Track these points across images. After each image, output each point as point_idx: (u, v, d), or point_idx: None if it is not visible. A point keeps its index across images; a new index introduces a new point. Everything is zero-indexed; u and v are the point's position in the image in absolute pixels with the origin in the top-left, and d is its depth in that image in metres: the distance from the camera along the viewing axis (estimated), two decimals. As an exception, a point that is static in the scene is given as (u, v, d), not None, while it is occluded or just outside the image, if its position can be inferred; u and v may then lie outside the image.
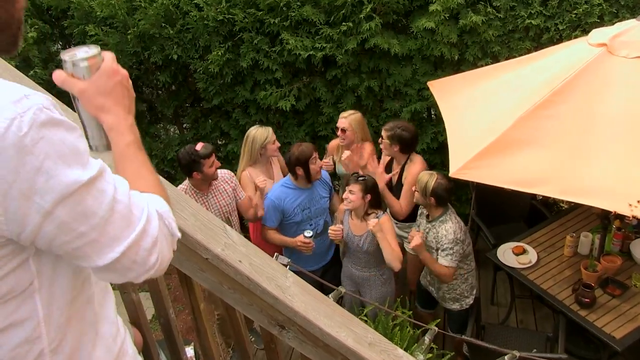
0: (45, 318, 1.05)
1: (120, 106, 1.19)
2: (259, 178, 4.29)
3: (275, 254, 2.65)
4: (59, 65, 1.17)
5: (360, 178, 3.92)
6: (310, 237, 3.98)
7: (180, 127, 6.15)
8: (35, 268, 1.01)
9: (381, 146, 4.35)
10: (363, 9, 4.80)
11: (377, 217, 3.91)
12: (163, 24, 5.07)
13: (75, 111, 1.21)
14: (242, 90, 5.41)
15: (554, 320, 4.74)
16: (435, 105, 4.72)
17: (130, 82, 1.26)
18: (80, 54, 1.15)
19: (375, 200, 3.98)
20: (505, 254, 4.58)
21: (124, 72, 1.22)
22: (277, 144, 4.45)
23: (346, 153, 4.41)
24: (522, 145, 3.44)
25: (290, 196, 4.12)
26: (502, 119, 3.59)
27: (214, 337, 1.99)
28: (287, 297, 1.63)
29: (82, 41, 5.21)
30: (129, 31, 5.06)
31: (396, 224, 4.51)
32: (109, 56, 1.20)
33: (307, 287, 1.76)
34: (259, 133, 4.37)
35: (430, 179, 3.84)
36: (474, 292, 4.20)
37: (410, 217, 4.41)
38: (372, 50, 5.06)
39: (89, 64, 1.15)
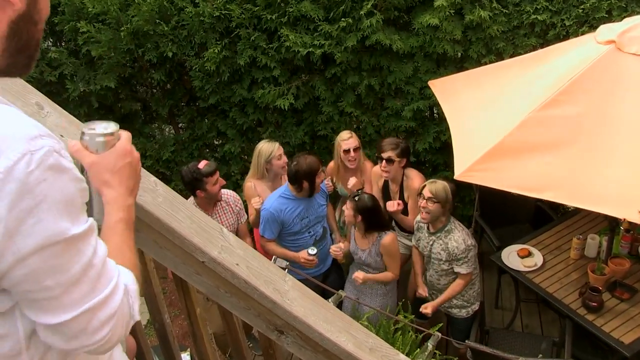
0: (25, 334, 1.04)
1: (123, 186, 1.25)
2: (255, 199, 4.32)
3: (274, 257, 2.66)
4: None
5: (355, 197, 3.99)
6: (315, 254, 4.04)
7: (176, 127, 6.14)
8: None
9: (378, 168, 4.42)
10: (363, 5, 4.80)
11: (379, 238, 4.02)
12: (157, 21, 5.07)
13: None
14: (239, 88, 5.41)
15: (560, 324, 4.74)
16: (438, 104, 4.72)
17: (140, 165, 1.32)
18: (99, 129, 1.23)
19: (369, 223, 4.01)
20: (510, 256, 4.58)
21: (137, 154, 1.29)
22: (284, 160, 4.44)
23: (352, 180, 4.50)
24: (528, 148, 3.42)
25: (289, 207, 4.13)
26: (507, 120, 3.58)
27: (210, 343, 1.99)
28: (285, 301, 1.63)
29: (72, 38, 5.21)
30: (122, 28, 5.05)
31: (407, 236, 4.59)
32: (125, 136, 1.27)
33: (306, 291, 1.76)
34: (265, 148, 4.41)
35: (445, 186, 3.88)
36: (479, 297, 4.20)
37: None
38: (372, 48, 5.06)
39: (105, 140, 1.23)
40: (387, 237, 4.02)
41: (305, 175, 4.02)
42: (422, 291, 4.20)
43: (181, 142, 5.91)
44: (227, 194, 4.30)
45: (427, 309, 4.01)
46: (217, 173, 4.05)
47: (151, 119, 6.09)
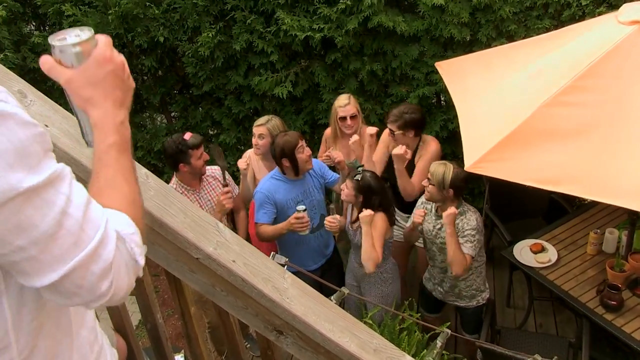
0: (14, 324, 1.01)
1: (109, 100, 1.15)
2: (241, 160, 4.30)
3: (272, 252, 2.66)
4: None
5: (356, 177, 3.92)
6: (304, 210, 3.93)
7: (168, 116, 6.15)
8: (0, 268, 0.97)
9: (391, 138, 4.34)
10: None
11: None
12: (148, 3, 5.06)
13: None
14: (235, 75, 5.40)
15: (576, 324, 4.74)
16: (445, 90, 4.70)
17: (128, 71, 1.22)
18: (70, 39, 1.11)
19: (371, 204, 3.90)
20: (523, 252, 4.58)
21: (120, 59, 1.18)
22: (263, 142, 4.34)
23: (354, 137, 4.36)
24: (543, 137, 3.39)
25: (281, 189, 4.11)
26: (521, 106, 3.54)
27: (205, 344, 1.99)
28: (285, 299, 1.63)
29: (57, 22, 5.20)
30: (110, 11, 5.05)
31: (408, 217, 4.48)
32: (103, 41, 1.16)
33: (306, 288, 1.76)
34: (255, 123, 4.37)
35: (447, 169, 3.81)
36: (487, 285, 4.20)
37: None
38: (375, 31, 5.05)
39: (80, 50, 1.11)
40: (380, 214, 3.94)
41: (283, 153, 3.99)
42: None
43: (174, 132, 5.87)
44: (212, 168, 4.27)
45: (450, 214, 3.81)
46: (202, 147, 4.03)
47: (142, 108, 6.08)
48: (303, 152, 4.03)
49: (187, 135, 3.97)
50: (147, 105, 6.02)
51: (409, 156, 4.21)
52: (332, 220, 4.05)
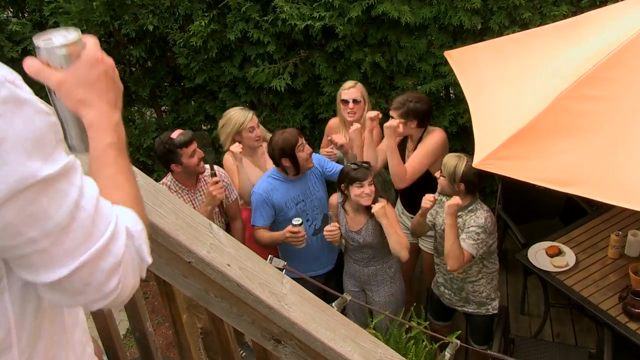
0: (16, 323, 1.03)
1: (104, 100, 1.18)
2: (235, 145, 4.24)
3: (270, 256, 2.65)
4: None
5: (354, 165, 3.92)
6: (299, 224, 3.94)
7: (158, 110, 6.15)
8: (4, 262, 0.99)
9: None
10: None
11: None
12: (136, -11, 5.07)
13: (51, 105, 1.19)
14: (230, 66, 5.40)
15: (597, 334, 4.74)
16: (454, 83, 4.70)
17: (117, 72, 1.25)
18: (57, 40, 1.13)
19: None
20: (538, 255, 4.58)
21: (110, 60, 1.22)
22: (257, 133, 4.38)
23: (356, 125, 4.36)
24: (558, 134, 3.35)
25: (280, 189, 4.12)
26: (536, 99, 3.51)
27: (198, 354, 1.99)
28: (283, 306, 1.63)
29: (37, 9, 5.19)
30: (96, -3, 5.05)
31: (411, 218, 4.50)
32: (91, 42, 1.18)
33: (306, 294, 1.76)
34: (236, 116, 4.35)
35: (460, 162, 3.81)
36: (498, 294, 4.20)
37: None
38: (379, 19, 5.05)
39: (67, 52, 1.14)
40: (382, 200, 3.98)
41: (282, 152, 4.00)
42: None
43: (164, 128, 5.91)
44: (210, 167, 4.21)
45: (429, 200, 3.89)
46: (194, 144, 3.99)
47: (130, 102, 6.08)
48: (303, 150, 4.04)
49: (175, 134, 3.95)
50: (135, 98, 6.02)
51: (401, 129, 4.20)
52: (332, 229, 4.01)
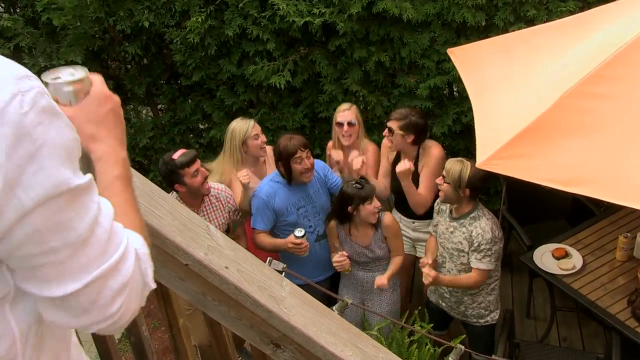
0: (20, 335, 1.04)
1: (112, 136, 1.24)
2: (242, 172, 4.28)
3: (269, 258, 2.66)
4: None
5: (357, 185, 3.99)
6: (302, 236, 3.97)
7: (154, 109, 6.15)
8: (10, 273, 1.00)
9: (386, 139, 4.37)
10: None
11: (379, 221, 4.09)
12: (131, -15, 5.07)
13: None
14: (228, 64, 5.40)
15: (605, 338, 4.74)
16: (458, 81, 4.70)
17: (122, 110, 1.30)
18: (64, 77, 1.18)
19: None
20: (544, 257, 4.58)
21: (117, 98, 1.27)
22: (262, 139, 4.45)
23: (355, 153, 4.42)
24: (564, 132, 3.35)
25: (281, 193, 4.14)
26: (541, 97, 3.51)
27: (195, 358, 1.99)
28: (282, 309, 1.63)
29: (29, 4, 5.18)
30: (90, -7, 5.05)
31: (413, 222, 4.53)
32: (98, 80, 1.25)
33: (306, 297, 1.77)
34: (238, 127, 4.40)
35: (464, 167, 3.83)
36: (499, 305, 4.21)
37: (427, 214, 4.43)
38: (381, 16, 5.05)
39: (75, 89, 1.19)
40: (388, 217, 4.09)
41: (279, 157, 4.07)
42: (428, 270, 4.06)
43: (160, 127, 5.92)
44: (218, 188, 4.28)
45: (428, 278, 3.95)
46: (197, 162, 4.01)
47: (125, 100, 6.08)
48: (301, 163, 4.04)
49: (177, 155, 3.98)
50: (131, 96, 6.03)
51: (412, 167, 4.27)
52: (341, 259, 4.09)
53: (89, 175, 1.03)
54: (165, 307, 1.85)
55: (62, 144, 0.96)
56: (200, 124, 6.02)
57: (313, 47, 5.36)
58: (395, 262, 4.19)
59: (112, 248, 1.04)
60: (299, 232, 3.98)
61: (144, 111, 6.27)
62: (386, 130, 4.33)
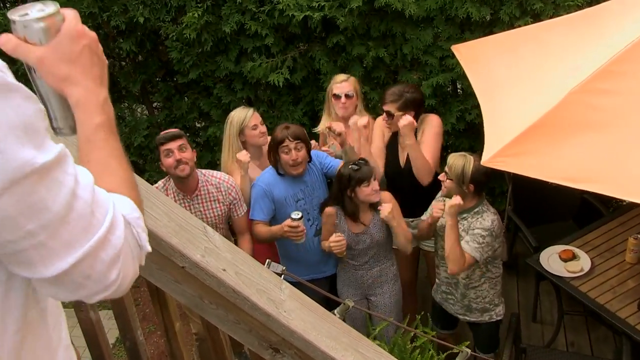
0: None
1: (89, 77, 1.17)
2: (242, 153, 4.22)
3: (267, 260, 2.65)
4: (7, 31, 1.14)
5: (355, 166, 3.94)
6: (299, 218, 3.94)
7: (150, 107, 6.15)
8: None
9: (385, 123, 4.35)
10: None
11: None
12: (126, -21, 5.07)
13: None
14: (225, 60, 5.40)
15: (614, 343, 4.73)
16: (462, 77, 4.70)
17: (101, 46, 1.23)
18: (33, 13, 1.10)
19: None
20: (551, 259, 4.58)
21: (92, 34, 1.20)
22: (261, 130, 4.38)
23: (355, 117, 4.35)
24: (571, 129, 3.34)
25: (280, 184, 4.15)
26: (548, 94, 3.50)
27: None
28: (282, 313, 1.63)
29: None
30: (84, -12, 5.06)
31: (412, 221, 4.50)
32: (71, 15, 1.16)
33: (306, 300, 1.76)
34: (237, 115, 4.36)
35: (467, 162, 3.80)
36: (502, 299, 4.21)
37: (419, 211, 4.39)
38: (382, 11, 5.05)
39: (45, 25, 1.11)
40: (386, 195, 4.05)
41: (270, 145, 4.11)
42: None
43: (156, 125, 5.91)
44: (220, 178, 4.17)
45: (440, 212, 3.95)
46: (173, 143, 3.89)
47: (120, 98, 6.08)
48: (288, 153, 4.03)
49: (166, 131, 3.99)
50: (125, 94, 6.02)
51: (415, 125, 4.23)
52: (338, 239, 4.02)
53: (60, 146, 0.98)
54: (161, 310, 1.85)
55: (21, 121, 0.91)
56: (197, 123, 6.02)
57: (312, 43, 5.36)
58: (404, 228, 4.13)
59: (97, 221, 1.01)
60: (296, 214, 3.94)
61: (139, 109, 6.27)
62: (384, 115, 4.29)
